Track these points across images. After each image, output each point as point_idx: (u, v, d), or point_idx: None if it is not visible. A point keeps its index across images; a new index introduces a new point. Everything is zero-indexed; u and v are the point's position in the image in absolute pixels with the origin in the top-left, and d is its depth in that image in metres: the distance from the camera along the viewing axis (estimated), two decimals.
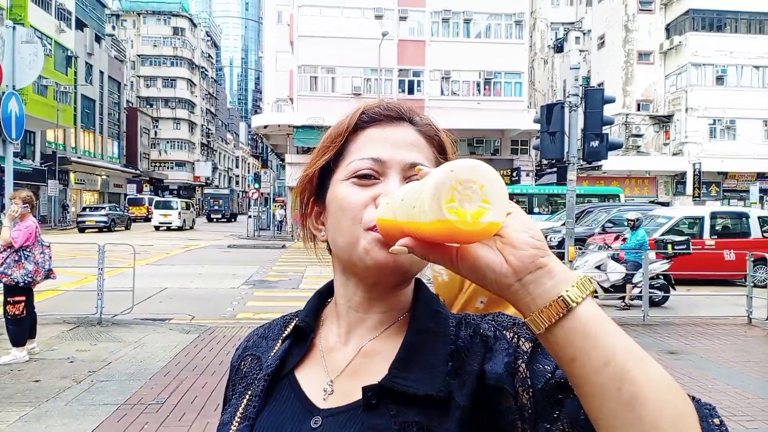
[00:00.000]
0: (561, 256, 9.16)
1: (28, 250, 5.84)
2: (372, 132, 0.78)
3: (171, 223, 33.05)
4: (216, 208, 49.30)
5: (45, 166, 32.49)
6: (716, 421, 0.57)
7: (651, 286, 9.74)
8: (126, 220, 33.50)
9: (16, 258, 5.77)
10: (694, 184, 30.18)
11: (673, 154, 31.58)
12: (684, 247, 10.07)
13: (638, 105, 33.65)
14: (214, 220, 47.96)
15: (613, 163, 25.88)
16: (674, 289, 9.85)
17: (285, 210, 32.20)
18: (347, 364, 0.76)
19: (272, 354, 0.82)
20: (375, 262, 0.71)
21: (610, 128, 11.67)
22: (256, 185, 29.84)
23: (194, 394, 4.95)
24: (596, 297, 9.47)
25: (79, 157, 40.25)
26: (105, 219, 29.23)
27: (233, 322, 8.07)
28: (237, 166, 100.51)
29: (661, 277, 9.87)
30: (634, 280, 9.64)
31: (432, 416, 0.67)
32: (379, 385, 0.70)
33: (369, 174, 0.75)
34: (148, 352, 6.35)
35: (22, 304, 5.86)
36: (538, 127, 10.26)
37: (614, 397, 0.53)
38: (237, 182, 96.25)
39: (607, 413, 0.54)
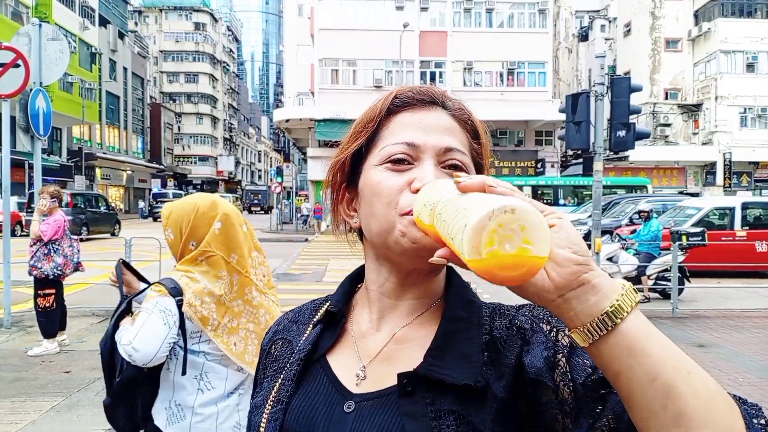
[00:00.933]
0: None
1: (57, 243, 5.93)
2: (404, 116, 0.77)
3: None
4: (255, 201, 57.53)
5: (72, 162, 33.10)
6: (762, 421, 0.56)
7: (663, 278, 9.60)
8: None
9: (46, 251, 5.88)
10: (724, 174, 29.55)
11: (703, 144, 30.92)
12: (699, 239, 9.84)
13: (666, 94, 32.98)
14: (254, 211, 54.67)
15: (640, 153, 25.44)
16: (689, 281, 9.63)
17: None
18: (380, 350, 0.76)
19: (303, 338, 0.81)
20: (412, 243, 0.70)
21: (637, 117, 11.46)
22: (279, 179, 30.03)
23: None
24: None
25: (104, 153, 40.94)
26: None
27: None
28: (259, 161, 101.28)
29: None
30: (647, 272, 9.52)
31: (468, 406, 0.67)
32: (414, 372, 0.69)
33: (403, 159, 0.74)
34: None
35: (53, 296, 5.97)
36: (562, 117, 10.10)
37: (660, 413, 0.52)
38: (259, 176, 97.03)
39: (652, 427, 0.53)
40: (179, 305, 1.86)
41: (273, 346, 0.86)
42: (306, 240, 22.32)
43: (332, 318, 0.81)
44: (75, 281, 8.28)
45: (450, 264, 0.77)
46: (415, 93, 0.78)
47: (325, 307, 0.84)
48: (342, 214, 0.82)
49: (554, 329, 0.69)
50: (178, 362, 1.89)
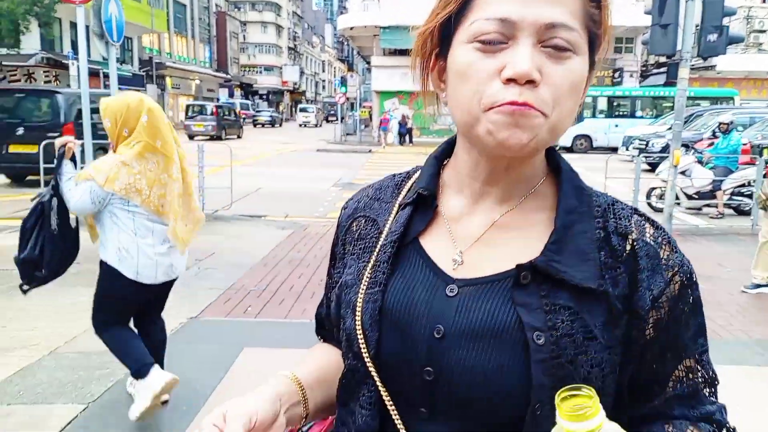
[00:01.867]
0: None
1: None
2: None
3: (309, 122, 46.35)
4: (332, 112, 59.99)
5: (143, 71, 33.83)
6: None
7: (739, 194, 9.08)
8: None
9: None
10: None
11: None
12: None
13: None
14: (331, 121, 56.84)
15: (729, 62, 23.49)
16: None
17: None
18: (479, 235, 0.72)
19: (390, 218, 0.78)
20: (498, 143, 0.64)
21: (729, 20, 10.42)
22: (343, 89, 29.72)
23: (291, 283, 5.23)
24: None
25: (174, 62, 41.51)
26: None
27: (324, 221, 8.33)
28: (323, 71, 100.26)
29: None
30: (723, 187, 9.00)
31: (583, 305, 0.65)
32: (533, 264, 0.66)
33: (494, 39, 0.64)
34: (247, 245, 6.71)
35: None
36: (646, 22, 9.32)
37: None
38: (323, 87, 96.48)
39: None
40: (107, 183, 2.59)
41: (354, 224, 0.83)
42: (369, 151, 22.35)
43: (422, 200, 0.77)
44: None
45: (552, 144, 0.73)
46: None
47: (409, 184, 0.81)
48: (432, 84, 0.76)
49: (671, 267, 0.69)
50: (118, 219, 2.66)
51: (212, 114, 26.86)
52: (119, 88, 8.14)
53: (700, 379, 0.72)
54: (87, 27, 6.94)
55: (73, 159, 2.78)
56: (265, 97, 65.18)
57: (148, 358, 2.76)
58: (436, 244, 0.74)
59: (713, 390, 0.74)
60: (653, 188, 9.58)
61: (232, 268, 5.69)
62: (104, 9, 7.53)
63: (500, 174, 0.72)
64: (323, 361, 0.85)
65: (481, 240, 0.72)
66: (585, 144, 21.82)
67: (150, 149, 2.65)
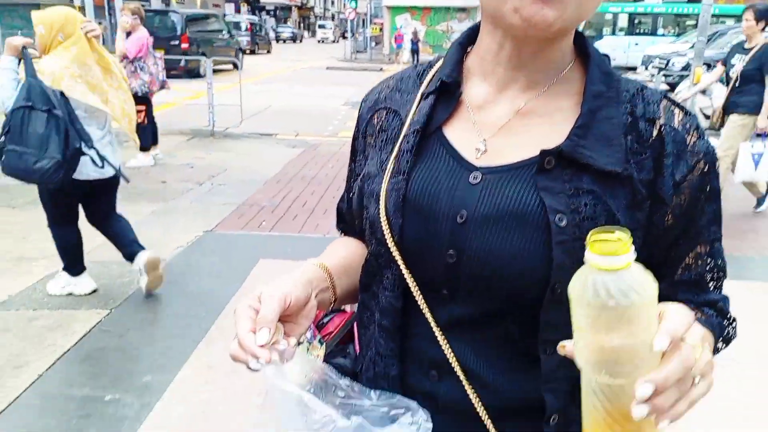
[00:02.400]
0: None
1: (142, 60, 6.05)
2: None
3: (327, 38, 48.23)
4: (347, 29, 61.74)
5: None
6: None
7: None
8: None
9: (132, 69, 6.02)
10: None
11: None
12: None
13: None
14: (347, 37, 57.88)
15: None
16: None
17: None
18: (503, 123, 0.71)
19: (414, 109, 0.77)
20: (524, 20, 0.62)
21: None
22: (353, 4, 28.64)
23: (304, 200, 5.27)
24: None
25: None
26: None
27: (335, 140, 8.27)
28: None
29: None
30: None
31: (606, 189, 0.65)
32: (559, 149, 0.66)
33: None
34: (258, 162, 6.72)
35: (143, 113, 6.23)
36: None
37: None
38: (333, 2, 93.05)
39: None
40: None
41: (375, 116, 0.82)
42: (381, 69, 21.84)
43: (445, 88, 0.75)
44: (163, 102, 8.61)
45: (579, 30, 0.70)
46: None
47: (431, 74, 0.79)
48: None
49: (696, 153, 0.68)
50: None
51: (247, 30, 29.44)
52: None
53: (708, 267, 0.73)
54: None
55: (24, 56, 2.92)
56: (272, 13, 63.04)
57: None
58: (460, 133, 0.73)
59: (720, 279, 0.75)
60: None
61: (244, 184, 5.72)
62: None
63: (526, 58, 0.70)
64: (347, 251, 0.86)
65: (506, 127, 0.71)
66: None
67: (88, 54, 3.01)
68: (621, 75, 0.73)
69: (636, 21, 22.25)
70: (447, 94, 0.75)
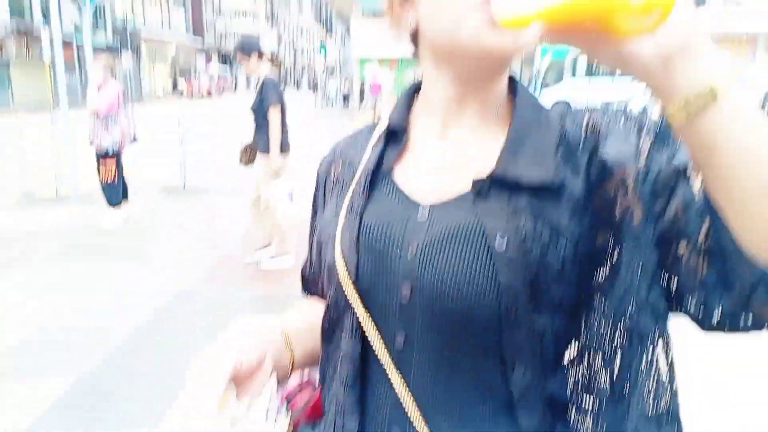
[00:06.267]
0: None
1: (114, 117, 6.00)
2: None
3: None
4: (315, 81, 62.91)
5: (117, 42, 32.93)
6: None
7: None
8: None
9: (104, 125, 5.95)
10: None
11: None
12: None
13: None
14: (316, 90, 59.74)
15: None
16: None
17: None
18: (447, 160, 0.75)
19: (365, 156, 0.80)
20: (486, 44, 0.65)
21: None
22: (323, 53, 29.10)
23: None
24: None
25: (148, 32, 40.43)
26: None
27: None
28: (302, 35, 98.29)
29: None
30: None
31: (544, 203, 0.67)
32: (489, 176, 0.69)
33: None
34: (234, 216, 6.65)
35: (113, 171, 6.12)
36: None
37: (756, 186, 0.52)
38: (302, 52, 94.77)
39: (745, 199, 0.53)
40: None
41: (332, 169, 0.85)
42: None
43: (393, 133, 0.79)
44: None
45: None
46: None
47: (384, 122, 0.82)
48: (396, 9, 0.75)
49: (633, 123, 0.68)
50: None
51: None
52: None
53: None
54: None
55: None
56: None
57: None
58: (409, 172, 0.76)
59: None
60: None
61: (218, 239, 5.67)
62: None
63: (470, 96, 0.74)
64: (308, 313, 0.87)
65: (449, 163, 0.74)
66: None
67: None
68: (548, 107, 0.76)
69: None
70: (396, 139, 0.79)
